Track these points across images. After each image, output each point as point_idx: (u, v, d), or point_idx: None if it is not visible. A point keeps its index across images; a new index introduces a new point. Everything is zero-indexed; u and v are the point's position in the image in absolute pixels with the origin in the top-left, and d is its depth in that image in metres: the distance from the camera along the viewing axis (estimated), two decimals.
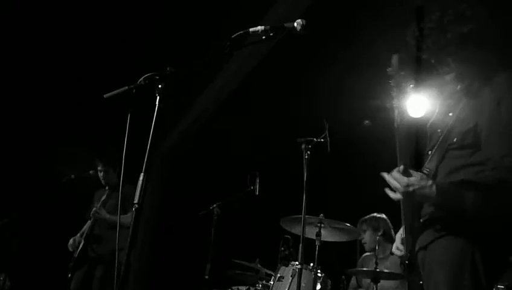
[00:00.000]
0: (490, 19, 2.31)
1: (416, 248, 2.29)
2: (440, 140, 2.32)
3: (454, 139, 2.24)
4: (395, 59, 2.13)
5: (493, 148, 2.13)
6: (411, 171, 2.15)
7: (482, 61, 2.28)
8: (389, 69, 2.14)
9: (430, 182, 2.12)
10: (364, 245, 5.14)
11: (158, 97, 2.11)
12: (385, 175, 2.22)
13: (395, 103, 2.15)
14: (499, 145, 2.11)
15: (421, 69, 2.20)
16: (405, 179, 2.13)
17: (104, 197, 5.46)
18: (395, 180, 2.16)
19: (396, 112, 2.15)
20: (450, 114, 2.32)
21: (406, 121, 2.17)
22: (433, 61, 2.28)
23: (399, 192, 2.17)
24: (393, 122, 2.21)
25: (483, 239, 2.09)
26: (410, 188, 2.12)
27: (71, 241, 5.45)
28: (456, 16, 2.25)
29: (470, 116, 2.22)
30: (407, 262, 2.32)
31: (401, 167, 2.17)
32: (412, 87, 2.14)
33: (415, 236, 2.30)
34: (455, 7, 2.26)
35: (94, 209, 5.28)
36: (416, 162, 2.29)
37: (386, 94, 2.53)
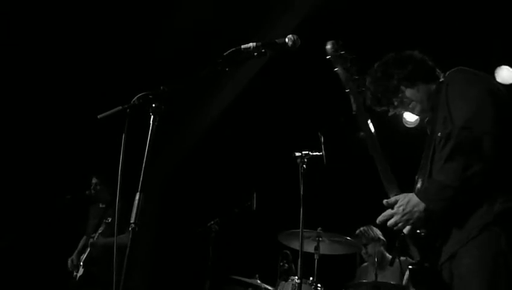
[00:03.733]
0: (422, 55, 2.66)
1: (442, 260, 2.28)
2: (426, 146, 2.46)
3: (439, 134, 2.36)
4: (329, 45, 2.29)
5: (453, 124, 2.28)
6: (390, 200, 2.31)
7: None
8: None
9: (410, 201, 2.24)
10: (369, 258, 4.96)
11: (152, 116, 2.11)
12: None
13: (354, 110, 2.31)
14: (454, 119, 2.26)
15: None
16: (389, 212, 2.31)
17: (101, 230, 5.30)
18: (385, 217, 2.32)
19: (358, 119, 2.33)
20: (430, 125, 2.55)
21: (371, 131, 2.38)
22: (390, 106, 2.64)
23: (397, 225, 2.29)
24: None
25: None
26: (404, 217, 2.25)
27: (69, 262, 5.39)
28: (396, 63, 2.63)
29: (440, 112, 2.40)
30: (409, 267, 2.39)
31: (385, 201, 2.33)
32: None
33: (418, 245, 2.35)
34: (393, 57, 2.66)
35: (91, 240, 5.21)
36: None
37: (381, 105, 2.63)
